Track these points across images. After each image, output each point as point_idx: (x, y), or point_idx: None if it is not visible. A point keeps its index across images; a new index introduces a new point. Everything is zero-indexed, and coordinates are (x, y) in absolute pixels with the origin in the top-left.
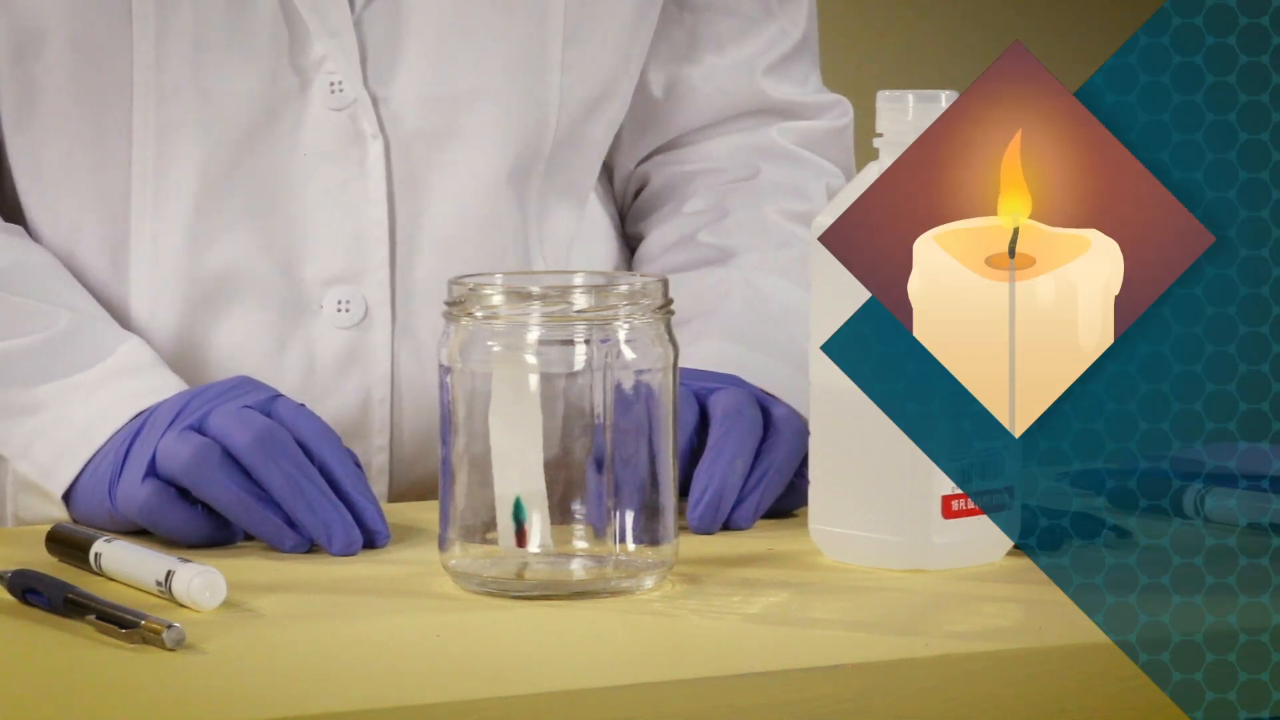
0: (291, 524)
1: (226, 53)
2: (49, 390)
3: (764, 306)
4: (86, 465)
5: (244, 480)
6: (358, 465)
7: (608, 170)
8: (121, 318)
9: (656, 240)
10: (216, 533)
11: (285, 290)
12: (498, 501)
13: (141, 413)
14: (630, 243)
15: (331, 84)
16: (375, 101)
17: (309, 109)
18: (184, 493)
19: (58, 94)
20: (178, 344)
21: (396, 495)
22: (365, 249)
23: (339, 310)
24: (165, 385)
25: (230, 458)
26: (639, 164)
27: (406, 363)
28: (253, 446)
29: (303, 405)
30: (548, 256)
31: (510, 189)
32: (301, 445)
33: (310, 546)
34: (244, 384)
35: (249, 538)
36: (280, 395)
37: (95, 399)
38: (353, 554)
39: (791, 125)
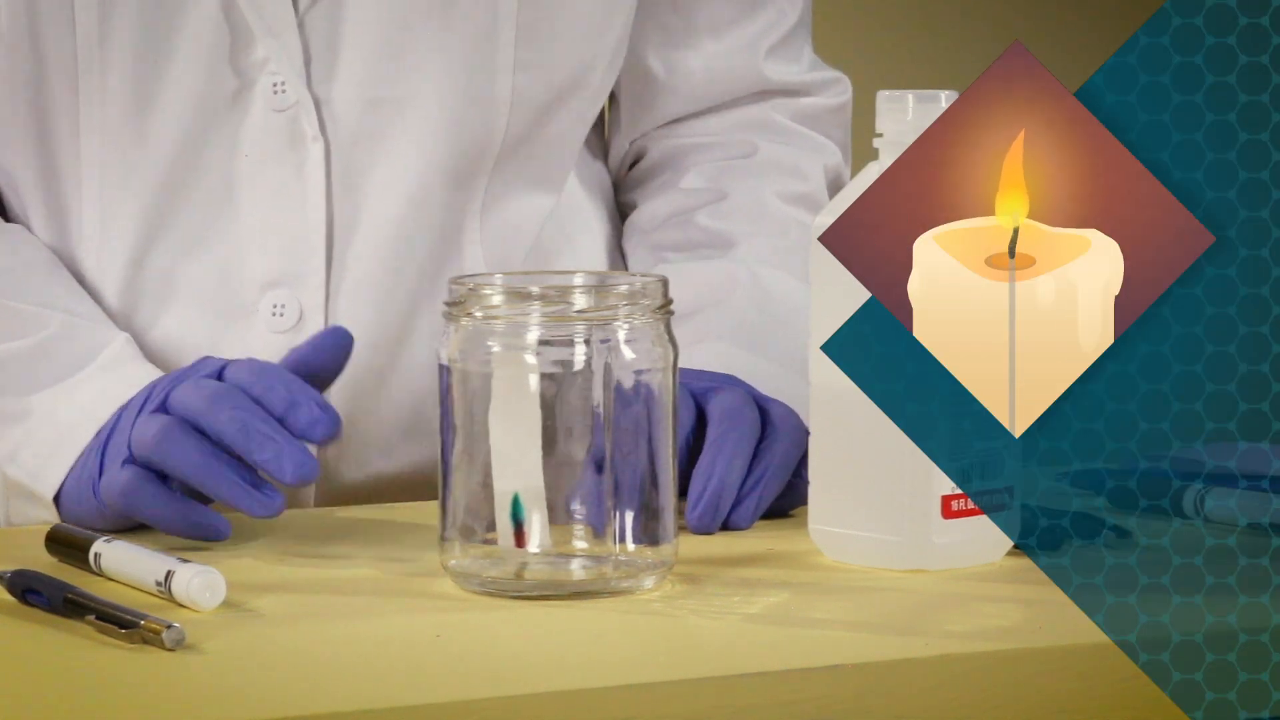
0: (258, 486)
1: (168, 54)
2: (39, 398)
3: (770, 306)
4: (73, 466)
5: (207, 446)
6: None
7: (603, 147)
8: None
9: (650, 211)
10: (194, 512)
11: (222, 293)
12: (497, 501)
13: (123, 406)
14: (623, 210)
15: (274, 85)
16: (317, 103)
17: (250, 111)
18: (163, 478)
19: (9, 93)
20: (150, 350)
21: (325, 501)
22: (302, 252)
23: (274, 314)
24: (143, 376)
25: (193, 429)
26: (635, 139)
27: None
28: (207, 408)
29: (251, 358)
30: (493, 252)
31: (448, 189)
32: (247, 394)
33: (284, 505)
34: (202, 362)
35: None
36: (235, 361)
37: (77, 399)
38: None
39: (790, 102)
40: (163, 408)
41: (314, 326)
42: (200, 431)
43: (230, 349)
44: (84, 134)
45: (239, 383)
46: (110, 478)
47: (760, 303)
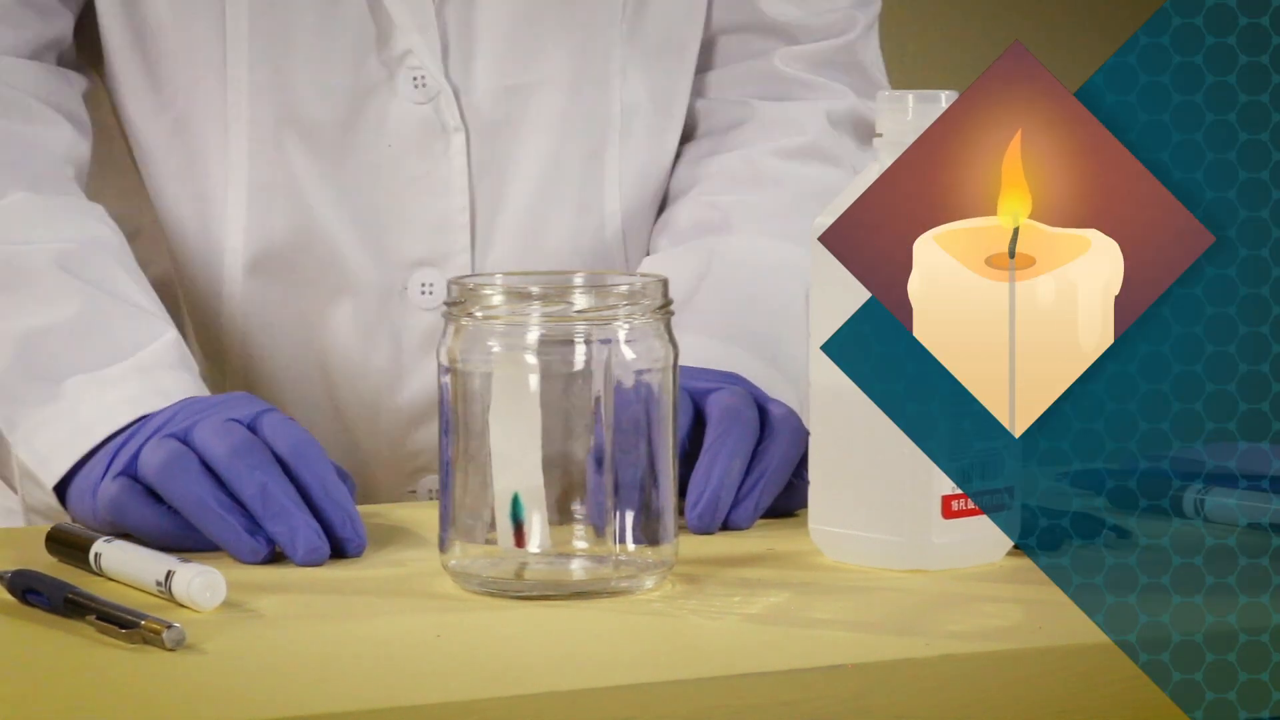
0: (254, 533)
1: (315, 49)
2: (71, 382)
3: (749, 291)
4: (81, 462)
5: (213, 488)
6: (345, 478)
7: None
8: (216, 304)
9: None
10: (179, 535)
11: (372, 275)
12: (497, 501)
13: (143, 417)
14: None
15: (415, 78)
16: (456, 93)
17: (393, 102)
18: (154, 494)
19: (156, 90)
20: (276, 328)
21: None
22: (447, 235)
23: (423, 293)
24: (174, 387)
25: (206, 467)
26: None
27: None
28: (228, 456)
29: (292, 419)
30: (630, 206)
31: (583, 162)
32: (279, 458)
33: (270, 555)
34: (239, 399)
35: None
36: (272, 410)
37: (106, 398)
38: (318, 563)
39: (793, 50)
40: (181, 436)
41: None
42: (212, 472)
43: (383, 327)
44: (232, 129)
45: (271, 443)
46: (104, 486)
47: (732, 288)
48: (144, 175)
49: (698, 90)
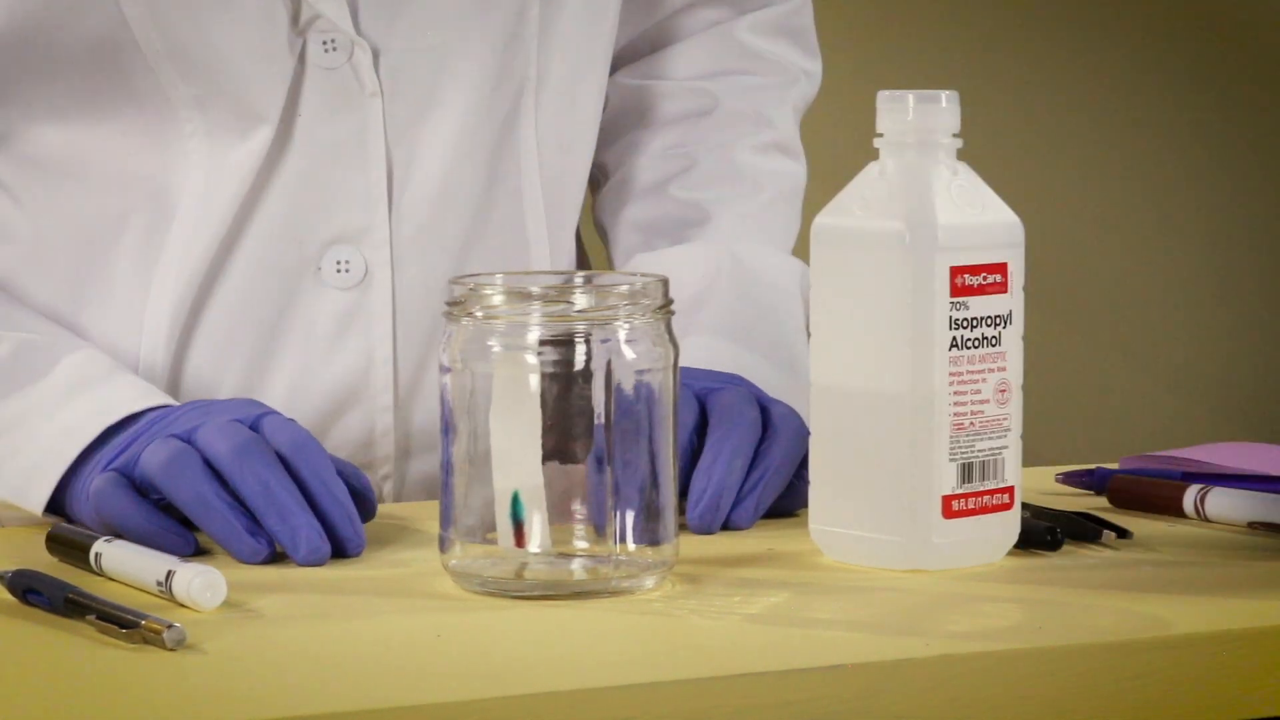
0: (254, 533)
1: (221, 14)
2: (6, 410)
3: (754, 292)
4: (64, 480)
5: (216, 487)
6: (358, 476)
7: None
8: (128, 289)
9: (622, 182)
10: (167, 529)
11: (283, 253)
12: (497, 501)
13: (149, 414)
14: (595, 172)
15: (325, 42)
16: (375, 57)
17: (305, 69)
18: (140, 490)
19: (58, 71)
20: (178, 310)
21: (405, 454)
22: (364, 208)
23: (339, 271)
24: (132, 394)
25: (209, 466)
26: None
27: (407, 319)
28: (230, 455)
29: (292, 420)
30: (551, 180)
31: (496, 131)
32: (281, 457)
33: (271, 556)
34: (240, 402)
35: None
36: (273, 412)
37: (57, 418)
38: (319, 562)
39: (752, 20)
40: (185, 437)
41: (380, 282)
42: (214, 471)
43: (295, 309)
44: (145, 101)
45: (274, 443)
46: (94, 480)
47: (744, 289)
48: (33, 178)
49: (658, 68)
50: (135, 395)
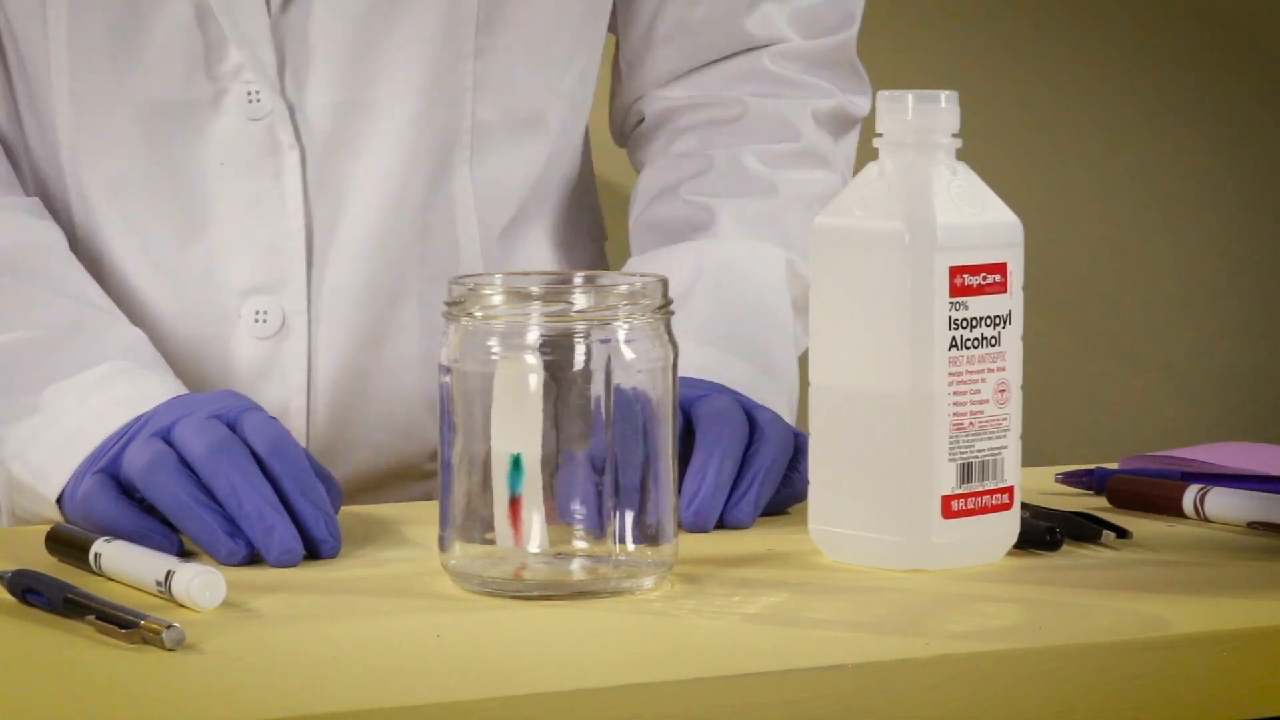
0: (232, 535)
1: (137, 60)
2: (49, 393)
3: (735, 292)
4: (78, 469)
5: (193, 487)
6: (330, 480)
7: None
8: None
9: (643, 184)
10: (153, 530)
11: (202, 301)
12: (496, 501)
13: (136, 418)
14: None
15: (249, 94)
16: (291, 110)
17: (224, 119)
18: (128, 491)
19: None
20: None
21: None
22: (282, 259)
23: (256, 320)
24: (160, 390)
25: (186, 465)
26: (635, 100)
27: (322, 371)
28: (205, 454)
29: (273, 419)
30: (492, 232)
31: (428, 185)
32: (257, 456)
33: (249, 558)
34: (224, 395)
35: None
36: (255, 409)
37: (89, 402)
38: (291, 563)
39: (783, 49)
40: (163, 436)
41: (297, 333)
42: (192, 471)
43: (213, 356)
44: (61, 134)
45: (251, 442)
46: (83, 482)
47: (723, 291)
48: None
49: (686, 85)
50: (165, 390)
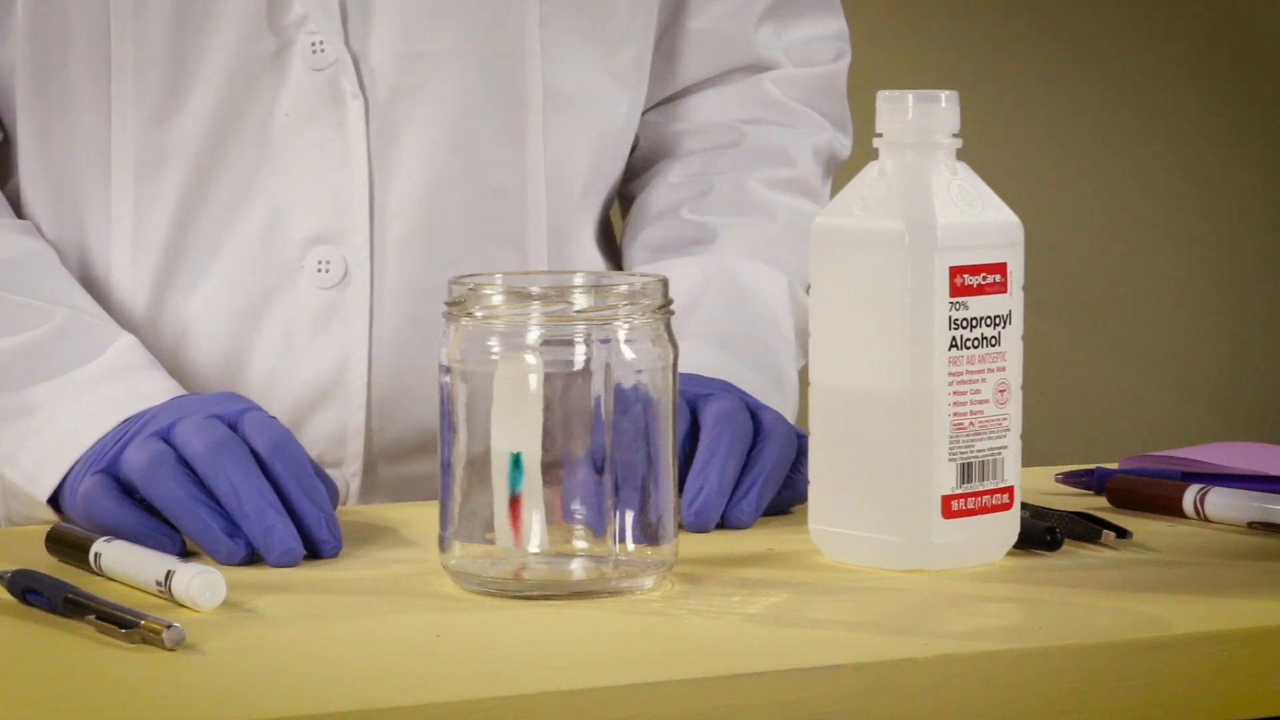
0: (232, 535)
1: (204, 17)
2: (40, 391)
3: (742, 303)
4: (70, 470)
5: (192, 487)
6: (326, 480)
7: None
8: (104, 285)
9: (640, 207)
10: (154, 530)
11: (265, 251)
12: (497, 501)
13: (129, 418)
14: (623, 203)
15: (313, 44)
16: (355, 60)
17: (289, 70)
18: (128, 491)
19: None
20: (158, 309)
21: (375, 454)
22: (345, 209)
23: (319, 270)
24: (154, 390)
25: (185, 465)
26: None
27: (384, 322)
28: (205, 454)
29: (273, 418)
30: (558, 202)
31: (497, 142)
32: (258, 456)
33: (248, 558)
34: (225, 398)
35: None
36: (255, 409)
37: (83, 402)
38: (291, 564)
39: (785, 75)
40: (163, 435)
41: (359, 283)
42: (191, 470)
43: (275, 306)
44: (115, 105)
45: (252, 442)
46: (82, 482)
47: (733, 301)
48: (26, 176)
49: (684, 112)
50: (161, 390)
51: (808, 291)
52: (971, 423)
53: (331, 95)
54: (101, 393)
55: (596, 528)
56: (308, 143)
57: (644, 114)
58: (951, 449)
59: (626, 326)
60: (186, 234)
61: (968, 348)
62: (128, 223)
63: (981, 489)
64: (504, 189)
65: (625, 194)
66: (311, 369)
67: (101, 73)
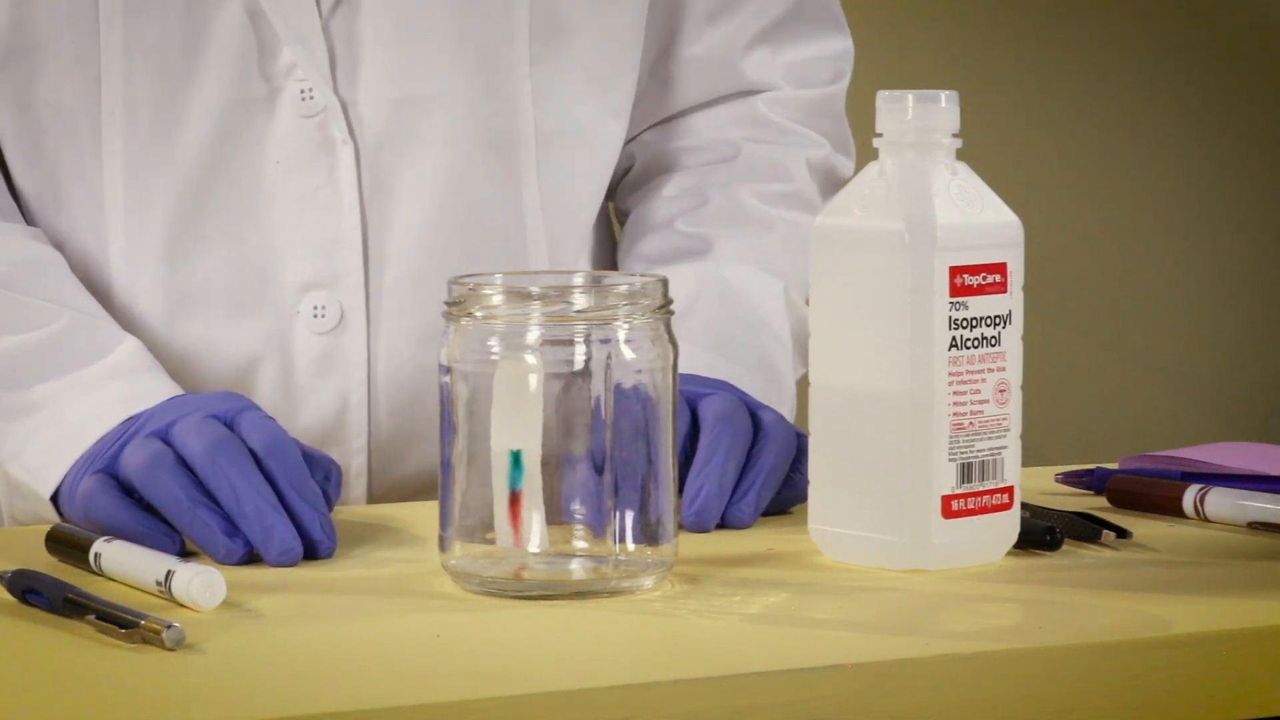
0: (230, 534)
1: (194, 62)
2: (45, 390)
3: (737, 309)
4: (73, 466)
5: (191, 487)
6: (328, 476)
7: None
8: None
9: (635, 222)
10: (154, 530)
11: (261, 297)
12: (496, 501)
13: (132, 417)
14: (620, 217)
15: (302, 91)
16: (344, 107)
17: (278, 117)
18: (128, 491)
19: (30, 111)
20: (154, 351)
21: (376, 497)
22: (339, 254)
23: (315, 315)
24: (157, 389)
25: (184, 465)
26: (626, 143)
27: (382, 365)
28: (203, 454)
29: (271, 418)
30: (556, 238)
31: (490, 182)
32: (255, 456)
33: (247, 557)
34: (224, 397)
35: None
36: (253, 408)
37: (88, 400)
38: (290, 563)
39: (775, 96)
40: (162, 435)
41: (355, 326)
42: (190, 470)
43: (272, 352)
44: (106, 147)
45: (248, 441)
46: (81, 482)
47: (729, 306)
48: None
49: (681, 132)
50: (165, 391)
51: (808, 303)
52: (971, 423)
53: (321, 141)
54: (108, 390)
55: (596, 528)
56: (299, 189)
57: (641, 134)
58: (951, 449)
59: (626, 326)
60: (179, 278)
61: (968, 348)
62: (120, 265)
63: (981, 489)
64: (501, 230)
65: (622, 208)
66: (311, 413)
67: (92, 108)
